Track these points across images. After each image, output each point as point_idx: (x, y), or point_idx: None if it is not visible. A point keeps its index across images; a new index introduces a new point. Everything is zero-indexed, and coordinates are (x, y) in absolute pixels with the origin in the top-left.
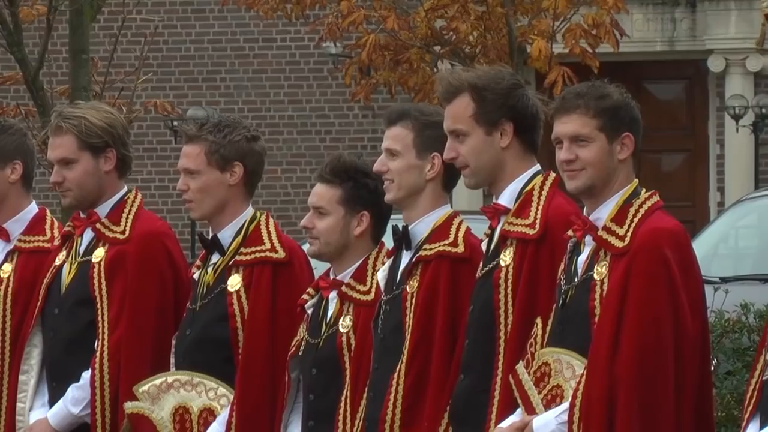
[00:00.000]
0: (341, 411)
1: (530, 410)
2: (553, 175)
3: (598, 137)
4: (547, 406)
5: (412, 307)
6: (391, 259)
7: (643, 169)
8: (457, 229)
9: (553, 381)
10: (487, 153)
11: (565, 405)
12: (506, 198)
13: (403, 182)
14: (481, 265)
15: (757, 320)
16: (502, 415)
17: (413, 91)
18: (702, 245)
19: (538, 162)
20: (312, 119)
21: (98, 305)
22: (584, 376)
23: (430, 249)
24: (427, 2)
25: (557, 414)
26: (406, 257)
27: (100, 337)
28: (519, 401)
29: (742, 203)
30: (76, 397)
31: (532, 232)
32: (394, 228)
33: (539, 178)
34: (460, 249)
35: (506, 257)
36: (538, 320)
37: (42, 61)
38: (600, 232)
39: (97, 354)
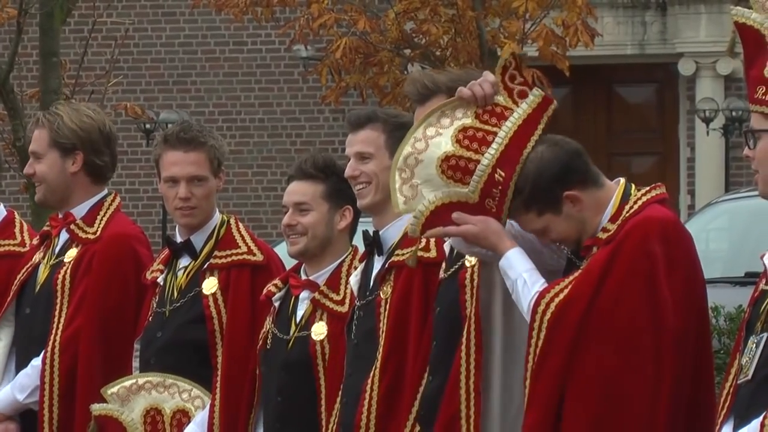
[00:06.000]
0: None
1: None
2: None
3: None
4: None
5: (386, 312)
6: (363, 264)
7: (613, 172)
8: None
9: None
10: None
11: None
12: None
13: (381, 184)
14: (443, 266)
15: (727, 323)
16: None
17: (383, 94)
18: None
19: None
20: (283, 122)
21: (57, 299)
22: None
23: (403, 254)
24: (398, 5)
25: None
26: (378, 262)
27: (53, 330)
28: None
29: (712, 206)
30: (23, 384)
31: None
32: (365, 233)
33: None
34: (433, 254)
35: (471, 258)
36: None
37: (12, 64)
38: (599, 234)
39: (49, 348)
